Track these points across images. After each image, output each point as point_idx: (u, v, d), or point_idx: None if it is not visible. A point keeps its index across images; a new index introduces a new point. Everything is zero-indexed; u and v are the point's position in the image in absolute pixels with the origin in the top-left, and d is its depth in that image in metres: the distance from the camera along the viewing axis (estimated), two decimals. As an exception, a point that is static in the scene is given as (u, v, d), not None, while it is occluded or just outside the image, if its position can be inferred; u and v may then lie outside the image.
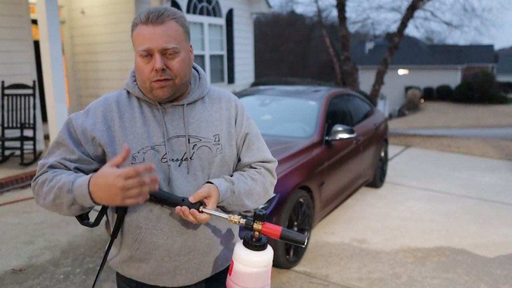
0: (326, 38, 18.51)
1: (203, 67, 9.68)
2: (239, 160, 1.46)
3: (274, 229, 1.20)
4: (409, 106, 29.58)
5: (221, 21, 10.08)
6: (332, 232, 4.30)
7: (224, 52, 10.27)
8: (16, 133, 6.19)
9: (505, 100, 30.55)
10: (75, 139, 1.29)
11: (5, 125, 6.11)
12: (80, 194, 1.15)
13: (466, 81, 31.53)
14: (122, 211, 1.29)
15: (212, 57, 9.91)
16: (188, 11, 9.03)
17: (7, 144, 6.28)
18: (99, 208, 1.32)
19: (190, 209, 1.23)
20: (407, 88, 32.16)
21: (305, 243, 1.32)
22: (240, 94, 5.33)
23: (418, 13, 15.78)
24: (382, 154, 5.81)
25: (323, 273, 3.47)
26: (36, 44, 6.56)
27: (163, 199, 1.25)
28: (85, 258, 3.63)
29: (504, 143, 9.84)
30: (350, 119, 5.11)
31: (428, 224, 4.57)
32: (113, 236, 1.33)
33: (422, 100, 31.40)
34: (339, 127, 4.27)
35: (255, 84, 11.23)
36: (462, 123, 20.78)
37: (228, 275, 1.26)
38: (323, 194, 3.97)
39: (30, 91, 6.26)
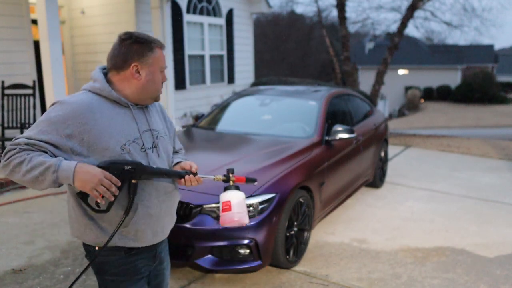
0: (326, 38, 18.50)
1: (203, 67, 9.69)
2: None
3: (241, 178, 1.90)
4: (409, 106, 29.59)
5: (221, 21, 10.08)
6: (332, 232, 4.30)
7: (224, 52, 10.27)
8: (16, 133, 6.19)
9: (505, 100, 30.56)
10: (60, 130, 1.56)
11: (5, 125, 6.11)
12: (64, 175, 1.49)
13: (466, 81, 31.52)
14: (135, 191, 1.63)
15: (212, 57, 9.91)
16: (188, 11, 9.02)
17: (7, 144, 6.28)
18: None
19: (195, 176, 1.79)
20: (407, 88, 32.16)
21: (256, 181, 1.99)
22: (240, 94, 5.34)
23: (418, 13, 15.77)
24: (382, 154, 5.81)
25: (323, 273, 3.47)
26: (36, 44, 6.56)
27: (172, 174, 1.75)
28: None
29: (504, 143, 9.84)
30: (350, 119, 5.11)
31: (428, 224, 4.57)
32: (126, 214, 1.64)
33: (422, 100, 31.40)
34: (339, 127, 4.27)
35: (255, 84, 11.22)
36: (462, 123, 20.78)
37: (224, 213, 1.81)
38: (323, 194, 3.97)
39: (30, 91, 6.26)
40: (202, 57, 9.62)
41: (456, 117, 23.82)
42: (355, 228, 4.41)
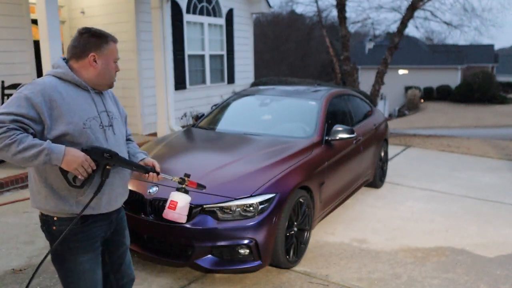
0: (326, 38, 18.50)
1: (203, 67, 9.69)
2: None
3: (193, 183, 2.18)
4: (409, 106, 29.58)
5: (221, 21, 10.08)
6: (332, 232, 4.30)
7: (224, 52, 10.27)
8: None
9: (505, 100, 30.53)
10: (34, 105, 1.78)
11: (5, 125, 6.10)
12: (55, 158, 1.75)
13: (466, 81, 31.50)
14: (107, 175, 1.92)
15: (212, 57, 9.91)
16: (188, 11, 9.03)
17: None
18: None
19: (158, 175, 2.11)
20: (407, 88, 32.14)
21: (205, 188, 2.28)
22: (240, 94, 5.34)
23: (418, 13, 15.77)
24: (382, 154, 5.81)
25: (323, 273, 3.47)
26: (36, 44, 6.56)
27: (139, 167, 2.07)
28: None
29: (504, 143, 9.84)
30: (350, 119, 5.11)
31: (428, 224, 4.57)
32: (95, 194, 1.90)
33: (422, 100, 31.39)
34: (339, 127, 4.27)
35: (255, 84, 11.22)
36: (462, 123, 20.78)
37: (168, 209, 2.11)
38: (323, 194, 3.97)
39: (30, 91, 6.25)
40: (202, 57, 9.62)
41: (456, 117, 23.82)
42: (355, 228, 4.41)
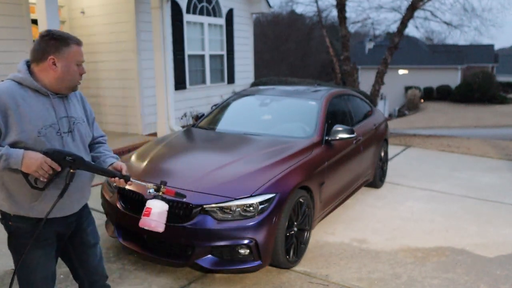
0: (326, 38, 18.51)
1: (203, 67, 9.69)
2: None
3: (171, 191, 2.15)
4: (409, 106, 29.58)
5: (221, 21, 10.08)
6: (332, 232, 4.30)
7: (224, 52, 10.26)
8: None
9: (505, 100, 30.52)
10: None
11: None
12: (13, 162, 1.81)
13: (466, 81, 31.50)
14: (71, 179, 1.94)
15: (212, 57, 9.91)
16: (188, 11, 9.02)
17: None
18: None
19: (126, 181, 2.10)
20: (407, 88, 32.14)
21: (185, 197, 2.25)
22: (240, 94, 5.34)
23: (418, 13, 15.77)
24: (382, 154, 5.81)
25: (323, 273, 3.47)
26: (36, 44, 6.56)
27: (106, 172, 2.07)
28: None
29: (504, 143, 9.84)
30: (350, 119, 5.11)
31: (428, 224, 4.57)
32: (60, 197, 1.93)
33: (422, 100, 31.39)
34: (339, 127, 4.27)
35: (255, 84, 11.22)
36: (462, 123, 20.77)
37: (144, 216, 2.10)
38: (323, 194, 3.97)
39: (30, 91, 6.25)
40: (202, 57, 9.62)
41: (456, 117, 23.82)
42: (355, 228, 4.41)
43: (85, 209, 2.26)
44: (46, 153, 1.86)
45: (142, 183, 2.18)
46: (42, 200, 1.95)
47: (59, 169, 1.88)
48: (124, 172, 2.12)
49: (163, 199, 2.11)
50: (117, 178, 2.08)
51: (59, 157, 1.88)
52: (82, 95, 2.23)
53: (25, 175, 1.88)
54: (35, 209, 1.96)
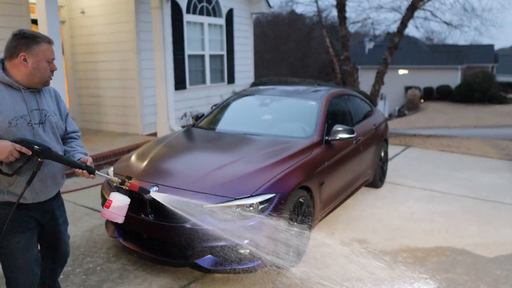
0: (326, 38, 18.52)
1: (203, 67, 9.69)
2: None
3: (135, 186, 2.31)
4: (409, 106, 29.58)
5: (221, 21, 10.08)
6: (332, 232, 4.30)
7: (224, 52, 10.27)
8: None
9: (505, 100, 30.53)
10: None
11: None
12: None
13: (466, 81, 31.51)
14: (38, 167, 2.10)
15: (212, 57, 9.91)
16: (188, 11, 9.03)
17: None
18: None
19: (89, 173, 2.25)
20: (407, 88, 32.15)
21: (149, 193, 2.47)
22: (240, 94, 5.34)
23: (418, 13, 15.78)
24: (382, 154, 5.81)
25: (323, 273, 3.47)
26: (36, 44, 6.55)
27: (72, 164, 2.22)
28: (85, 258, 3.63)
29: (504, 143, 9.84)
30: (350, 119, 5.11)
31: (428, 224, 4.57)
32: (28, 184, 2.11)
33: (422, 100, 31.39)
34: (339, 127, 4.26)
35: (255, 84, 11.22)
36: (462, 123, 20.78)
37: (105, 208, 2.28)
38: (323, 194, 3.97)
39: (30, 91, 6.25)
40: (202, 57, 9.62)
41: (456, 117, 23.82)
42: (355, 228, 4.41)
43: (59, 199, 2.46)
44: (15, 141, 2.03)
45: (106, 176, 2.33)
46: (17, 185, 2.12)
47: (29, 153, 2.05)
48: (89, 164, 2.27)
49: (125, 192, 2.29)
50: (81, 170, 2.23)
51: (27, 146, 2.04)
52: (56, 92, 2.42)
53: None
54: (12, 193, 2.13)
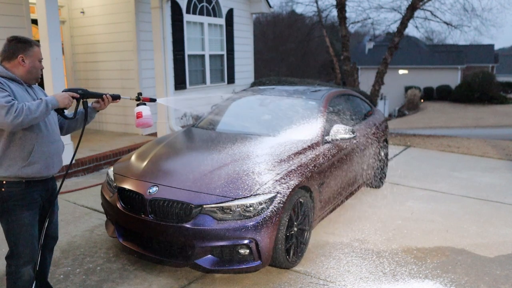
0: (326, 38, 18.52)
1: (203, 67, 9.69)
2: None
3: (146, 98, 2.93)
4: (409, 106, 29.59)
5: (221, 21, 10.08)
6: (332, 232, 4.30)
7: (224, 52, 10.26)
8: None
9: (505, 100, 30.54)
10: (6, 90, 2.37)
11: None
12: (55, 103, 2.44)
13: (466, 81, 31.51)
14: (87, 105, 2.72)
15: (212, 57, 9.91)
16: (188, 11, 9.03)
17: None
18: None
19: (114, 99, 2.79)
20: (407, 88, 32.16)
21: (155, 101, 3.05)
22: (240, 94, 5.33)
23: (418, 13, 15.78)
24: (382, 154, 5.81)
25: (323, 273, 3.47)
26: (36, 44, 6.55)
27: (97, 95, 2.73)
28: (85, 258, 3.63)
29: (504, 143, 9.84)
30: (350, 119, 5.10)
31: (428, 224, 4.57)
32: (86, 118, 2.76)
33: (422, 100, 31.40)
34: (339, 127, 4.26)
35: (255, 84, 11.22)
36: (462, 123, 20.78)
37: (137, 118, 2.86)
38: (323, 194, 3.97)
39: (30, 91, 6.25)
40: (202, 57, 9.62)
41: (456, 117, 23.83)
42: (355, 228, 4.41)
43: (56, 183, 2.76)
44: (64, 91, 2.54)
45: (126, 97, 2.84)
46: (30, 163, 2.44)
47: (77, 96, 2.57)
48: (108, 96, 2.77)
49: (143, 104, 2.86)
50: (105, 96, 2.73)
51: (74, 91, 2.57)
52: (40, 87, 2.79)
53: (59, 111, 2.58)
54: (25, 171, 2.43)
